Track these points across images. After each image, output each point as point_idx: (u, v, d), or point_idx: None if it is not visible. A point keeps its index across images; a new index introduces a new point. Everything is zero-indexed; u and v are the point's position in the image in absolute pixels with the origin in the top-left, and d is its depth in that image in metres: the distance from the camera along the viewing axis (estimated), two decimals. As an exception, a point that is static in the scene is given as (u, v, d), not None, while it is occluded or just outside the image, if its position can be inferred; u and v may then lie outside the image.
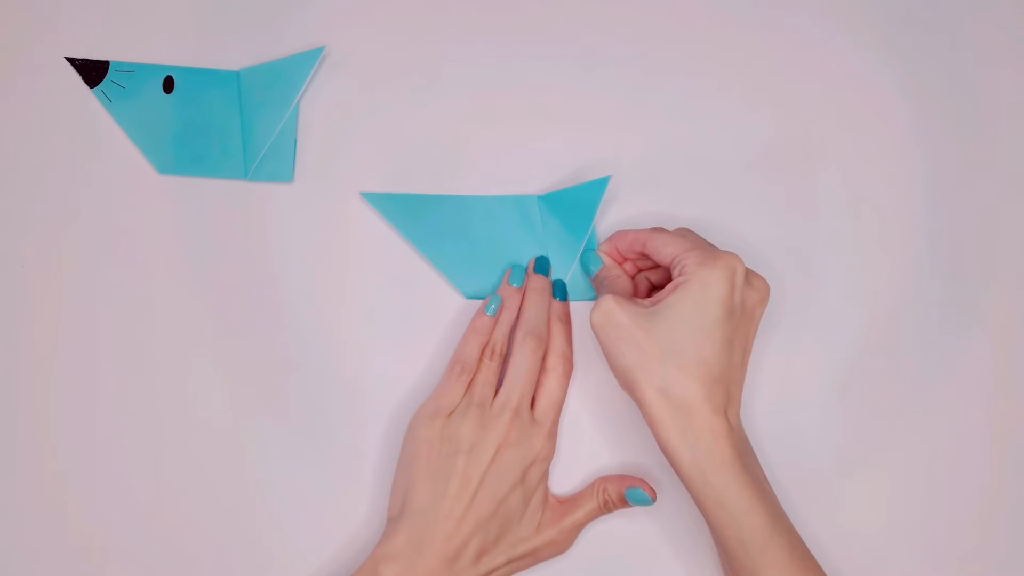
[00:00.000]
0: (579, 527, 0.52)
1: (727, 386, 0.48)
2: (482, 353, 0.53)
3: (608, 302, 0.49)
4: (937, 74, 0.58)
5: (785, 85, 0.57)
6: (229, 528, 0.54)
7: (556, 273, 0.56)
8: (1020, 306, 0.57)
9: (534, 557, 0.51)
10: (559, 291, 0.55)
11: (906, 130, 0.57)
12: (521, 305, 0.54)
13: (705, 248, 0.50)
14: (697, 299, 0.48)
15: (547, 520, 0.52)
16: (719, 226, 0.56)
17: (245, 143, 0.56)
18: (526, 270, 0.55)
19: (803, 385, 0.56)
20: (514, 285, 0.55)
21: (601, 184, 0.55)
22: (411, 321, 0.56)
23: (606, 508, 0.53)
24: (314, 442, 0.55)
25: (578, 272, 0.56)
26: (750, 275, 0.50)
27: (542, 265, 0.55)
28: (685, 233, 0.51)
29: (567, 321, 0.55)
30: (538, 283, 0.55)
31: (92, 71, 0.56)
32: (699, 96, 0.57)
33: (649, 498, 0.52)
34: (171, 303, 0.55)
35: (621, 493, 0.52)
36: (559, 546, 0.52)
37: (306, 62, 0.56)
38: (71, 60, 0.56)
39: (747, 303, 0.49)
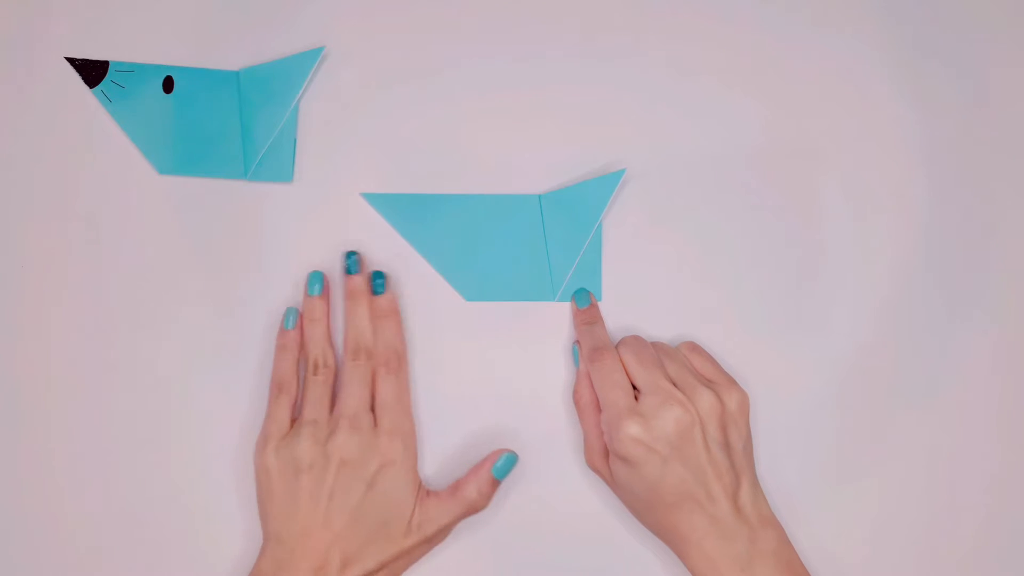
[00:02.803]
0: (447, 528, 0.52)
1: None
2: (307, 370, 0.53)
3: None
4: (938, 74, 0.58)
5: (787, 85, 0.57)
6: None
7: (556, 273, 0.56)
8: (1022, 309, 0.56)
9: (408, 557, 0.51)
10: (377, 286, 0.54)
11: (907, 130, 0.57)
12: (345, 315, 0.54)
13: (609, 421, 0.50)
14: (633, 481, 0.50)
15: (416, 519, 0.51)
16: (720, 225, 0.56)
17: (245, 143, 0.56)
18: (323, 276, 0.54)
19: (802, 385, 0.56)
20: (313, 295, 0.54)
21: (614, 178, 0.55)
22: (411, 322, 0.56)
23: (472, 509, 0.52)
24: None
25: (577, 273, 0.56)
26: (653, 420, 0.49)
27: (351, 263, 0.54)
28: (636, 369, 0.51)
29: (390, 314, 0.54)
30: (351, 285, 0.54)
31: (92, 71, 0.56)
32: (700, 96, 0.57)
33: (513, 458, 0.52)
34: (170, 303, 0.55)
35: (482, 489, 0.52)
36: (432, 542, 0.52)
37: (306, 62, 0.56)
38: (71, 60, 0.56)
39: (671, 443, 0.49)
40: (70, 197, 0.56)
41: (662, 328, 0.56)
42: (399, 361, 0.53)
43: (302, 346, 0.54)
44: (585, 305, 0.55)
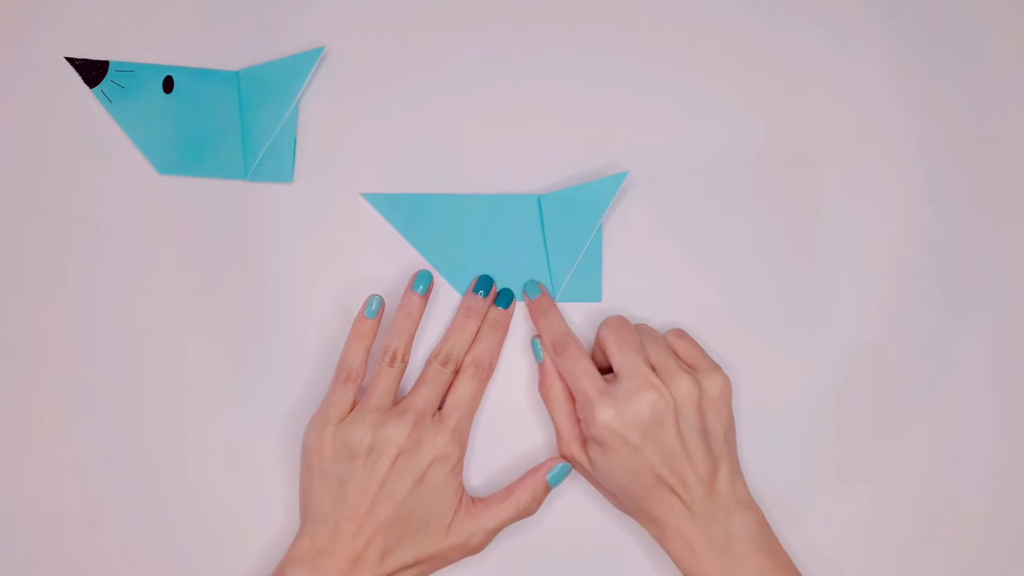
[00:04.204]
0: (492, 533, 0.52)
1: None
2: (380, 357, 0.52)
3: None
4: (938, 76, 0.58)
5: (788, 88, 0.57)
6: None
7: (556, 274, 0.56)
8: (1022, 308, 0.56)
9: (443, 559, 0.51)
10: (503, 300, 0.55)
11: (907, 132, 0.57)
12: (452, 324, 0.54)
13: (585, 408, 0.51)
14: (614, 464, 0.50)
15: (458, 523, 0.51)
16: (721, 227, 0.56)
17: (245, 143, 0.56)
18: (432, 279, 0.54)
19: (802, 386, 0.56)
20: (417, 292, 0.54)
21: (615, 180, 0.55)
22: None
23: (524, 514, 0.52)
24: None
25: (577, 274, 0.56)
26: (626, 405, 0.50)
27: (484, 285, 0.55)
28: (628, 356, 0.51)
29: (499, 327, 0.54)
30: (474, 302, 0.54)
31: (92, 71, 0.56)
32: (701, 96, 0.57)
33: (567, 467, 0.53)
34: (170, 303, 0.56)
35: (536, 494, 0.52)
36: (470, 549, 0.52)
37: (306, 62, 0.56)
38: (71, 60, 0.56)
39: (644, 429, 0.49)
40: (70, 197, 0.56)
41: (661, 329, 0.55)
42: (489, 370, 0.54)
43: (376, 336, 0.53)
44: (536, 295, 0.55)
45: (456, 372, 0.53)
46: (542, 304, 0.55)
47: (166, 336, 0.55)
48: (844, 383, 0.56)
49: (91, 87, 0.56)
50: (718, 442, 0.50)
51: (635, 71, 0.57)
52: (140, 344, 0.55)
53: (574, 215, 0.55)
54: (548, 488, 0.53)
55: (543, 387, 0.54)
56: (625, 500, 0.51)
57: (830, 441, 0.56)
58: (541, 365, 0.54)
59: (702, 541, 0.49)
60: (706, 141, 0.57)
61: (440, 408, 0.53)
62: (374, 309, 0.53)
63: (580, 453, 0.52)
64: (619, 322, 0.53)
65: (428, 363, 0.53)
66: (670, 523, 0.49)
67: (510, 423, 0.55)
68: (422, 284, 0.54)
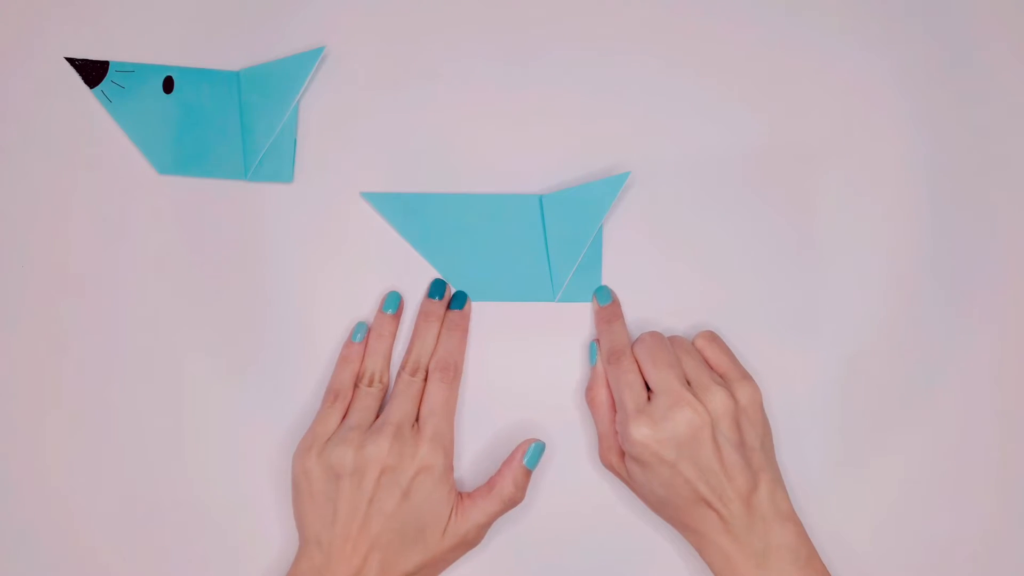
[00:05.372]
0: (485, 527, 0.52)
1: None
2: (358, 380, 0.54)
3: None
4: (939, 74, 0.57)
5: (790, 88, 0.57)
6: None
7: (557, 274, 0.56)
8: (1021, 307, 0.56)
9: (444, 561, 0.51)
10: (459, 300, 0.55)
11: (907, 130, 0.57)
12: (413, 332, 0.55)
13: (625, 422, 0.50)
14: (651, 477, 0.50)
15: (453, 524, 0.51)
16: (722, 227, 0.56)
17: (245, 143, 0.56)
18: (400, 298, 0.55)
19: (803, 385, 0.56)
20: (388, 312, 0.55)
21: (617, 181, 0.55)
22: (410, 322, 0.56)
23: (511, 503, 0.52)
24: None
25: (577, 274, 0.56)
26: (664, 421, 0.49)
27: (438, 288, 0.55)
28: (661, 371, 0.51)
29: (457, 328, 0.55)
30: (430, 307, 0.55)
31: (92, 71, 0.56)
32: (702, 97, 0.57)
33: (541, 446, 0.53)
34: (170, 303, 0.55)
35: (517, 481, 0.52)
36: (468, 545, 0.52)
37: (306, 62, 0.56)
38: (71, 60, 0.56)
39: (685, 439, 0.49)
40: (70, 197, 0.56)
41: (662, 330, 0.55)
42: (455, 372, 0.54)
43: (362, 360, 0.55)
44: (607, 302, 0.55)
45: (427, 379, 0.53)
46: (610, 312, 0.55)
47: (165, 336, 0.55)
48: (845, 382, 0.56)
49: (91, 87, 0.56)
50: (756, 454, 0.50)
51: (636, 71, 0.57)
52: (139, 344, 0.55)
53: (575, 215, 0.55)
54: (528, 472, 0.53)
55: (590, 392, 0.54)
56: (663, 511, 0.51)
57: (831, 440, 0.56)
58: (593, 369, 0.54)
59: (740, 553, 0.49)
60: (707, 142, 0.57)
61: (417, 419, 0.53)
62: (360, 335, 0.54)
63: (619, 463, 0.52)
64: (652, 338, 0.53)
65: (398, 376, 0.54)
66: (708, 535, 0.49)
67: (502, 417, 0.56)
68: (393, 305, 0.55)
